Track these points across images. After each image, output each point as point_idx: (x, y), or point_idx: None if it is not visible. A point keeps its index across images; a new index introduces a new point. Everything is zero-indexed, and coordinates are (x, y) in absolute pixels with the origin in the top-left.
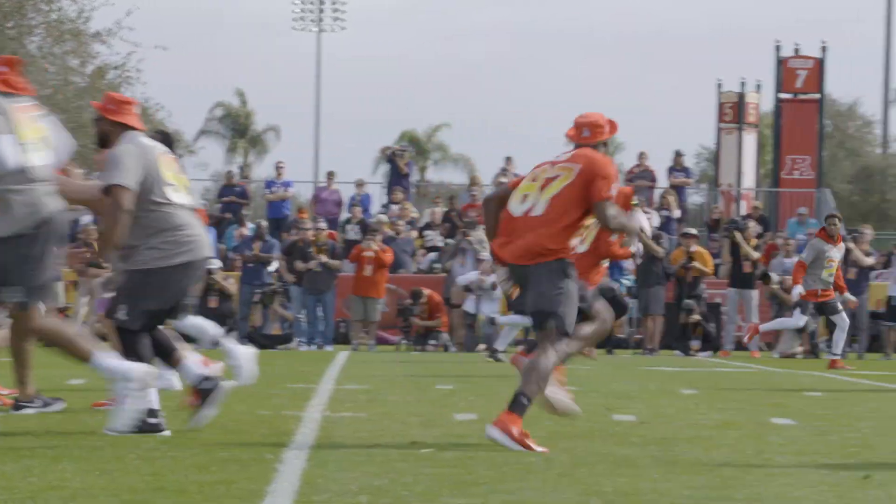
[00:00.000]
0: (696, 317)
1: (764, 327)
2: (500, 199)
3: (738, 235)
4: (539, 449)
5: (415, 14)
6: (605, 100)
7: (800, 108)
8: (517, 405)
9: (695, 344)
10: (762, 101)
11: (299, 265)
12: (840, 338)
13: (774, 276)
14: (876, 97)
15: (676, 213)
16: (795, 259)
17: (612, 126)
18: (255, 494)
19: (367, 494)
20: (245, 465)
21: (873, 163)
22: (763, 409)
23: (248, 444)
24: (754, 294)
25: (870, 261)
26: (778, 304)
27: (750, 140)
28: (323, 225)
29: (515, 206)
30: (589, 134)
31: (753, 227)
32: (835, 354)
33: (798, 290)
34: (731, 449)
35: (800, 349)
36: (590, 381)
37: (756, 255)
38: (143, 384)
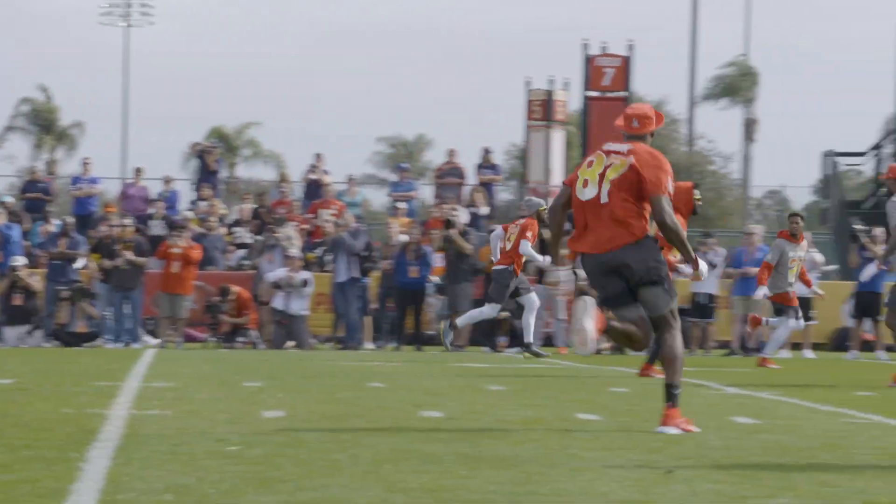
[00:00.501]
0: (504, 313)
1: (769, 348)
2: (565, 205)
3: (546, 232)
4: (695, 429)
5: (224, 10)
6: (414, 97)
7: (607, 106)
8: (672, 397)
9: (503, 340)
10: (570, 99)
11: (106, 262)
12: (780, 336)
13: (580, 273)
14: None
15: (484, 210)
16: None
17: (660, 117)
18: (59, 493)
19: (173, 493)
20: (49, 464)
21: (680, 160)
22: (569, 405)
23: (52, 443)
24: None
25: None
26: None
27: (558, 137)
28: (130, 221)
29: (580, 192)
30: (638, 125)
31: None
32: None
33: (763, 290)
34: (538, 444)
35: (606, 345)
36: (398, 378)
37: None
38: None
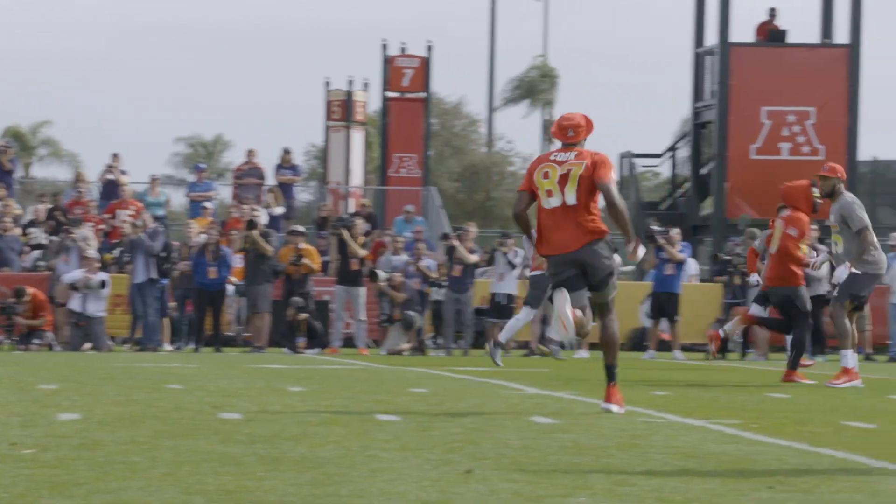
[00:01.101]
0: (304, 314)
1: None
2: (526, 209)
3: (345, 233)
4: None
5: (11, 7)
6: (212, 96)
7: (406, 107)
8: (613, 376)
9: (302, 341)
10: (370, 99)
11: None
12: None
13: (382, 274)
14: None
15: (279, 210)
16: (404, 257)
17: (590, 125)
18: None
19: None
20: None
21: (478, 161)
22: (368, 406)
23: None
24: (362, 291)
25: (474, 258)
26: (389, 302)
27: (358, 138)
28: None
29: (546, 202)
30: (574, 134)
31: (361, 224)
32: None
33: (755, 278)
34: (337, 445)
35: (406, 346)
36: (196, 379)
37: (363, 252)
38: None
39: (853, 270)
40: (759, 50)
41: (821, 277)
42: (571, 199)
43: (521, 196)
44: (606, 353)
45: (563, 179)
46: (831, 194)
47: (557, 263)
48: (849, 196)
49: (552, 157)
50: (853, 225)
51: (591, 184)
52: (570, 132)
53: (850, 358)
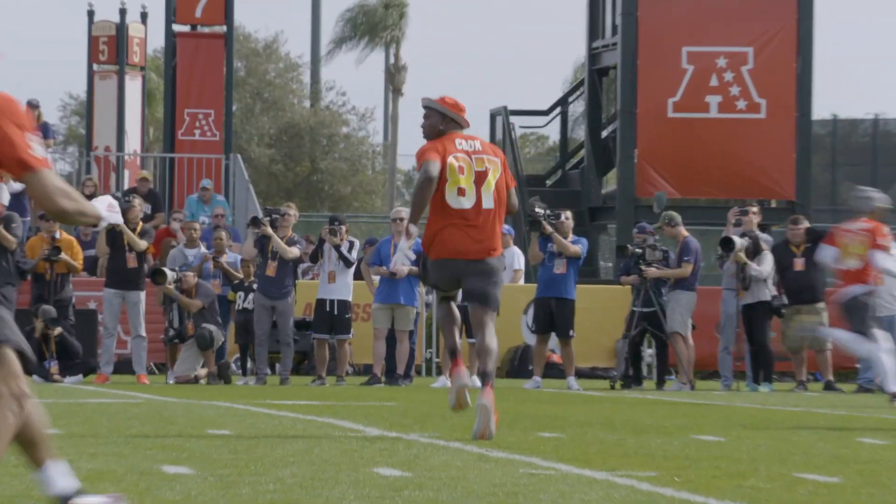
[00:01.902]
0: (58, 328)
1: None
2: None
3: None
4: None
5: None
6: None
7: (201, 46)
8: (490, 379)
9: (54, 365)
10: (150, 35)
11: None
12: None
13: (169, 273)
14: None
15: (17, 187)
16: (200, 249)
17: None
18: None
19: None
20: None
21: (300, 120)
22: (150, 454)
23: None
24: (141, 297)
25: (294, 252)
26: (179, 312)
27: (134, 88)
28: None
29: (456, 200)
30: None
31: (139, 206)
32: None
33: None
34: None
35: (203, 371)
36: None
37: (143, 244)
38: None
39: None
40: None
41: (765, 277)
42: (489, 202)
43: (433, 165)
44: (485, 357)
45: (480, 179)
46: None
47: (456, 266)
48: None
49: (460, 146)
50: None
51: (503, 189)
52: (465, 115)
53: None
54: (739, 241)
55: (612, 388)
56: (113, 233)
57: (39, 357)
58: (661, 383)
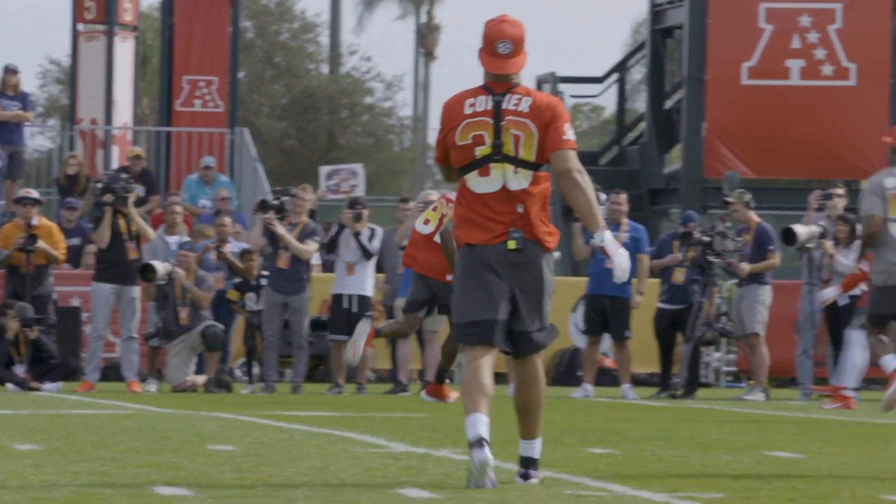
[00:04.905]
0: (35, 329)
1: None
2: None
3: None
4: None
5: None
6: None
7: (203, 2)
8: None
9: (22, 371)
10: None
11: None
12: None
13: (160, 267)
14: None
15: None
16: (186, 237)
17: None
18: None
19: None
20: None
21: (317, 88)
22: (143, 473)
23: None
24: (136, 293)
25: (311, 250)
26: (173, 310)
27: (125, 51)
28: None
29: (475, 182)
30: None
31: (138, 190)
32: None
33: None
34: None
35: (202, 378)
36: None
37: (151, 232)
38: None
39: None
40: None
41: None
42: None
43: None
44: (447, 358)
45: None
46: None
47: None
48: None
49: (474, 107)
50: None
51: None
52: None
53: None
54: (805, 231)
55: (674, 397)
56: (115, 219)
57: (9, 363)
58: (690, 392)
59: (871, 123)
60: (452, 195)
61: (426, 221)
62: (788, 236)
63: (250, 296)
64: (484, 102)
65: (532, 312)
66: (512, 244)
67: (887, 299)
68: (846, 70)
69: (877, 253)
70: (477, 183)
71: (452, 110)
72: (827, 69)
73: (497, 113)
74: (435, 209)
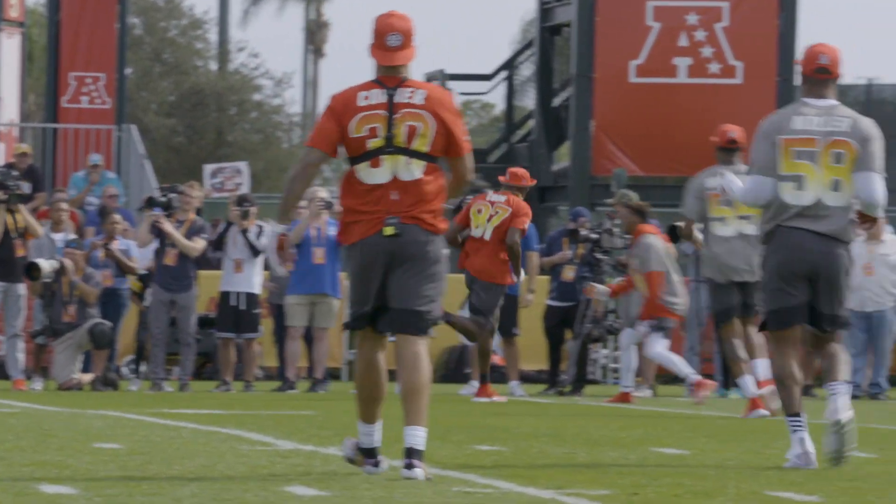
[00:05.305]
0: None
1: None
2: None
3: None
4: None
5: None
6: None
7: (89, 3)
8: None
9: None
10: None
11: None
12: None
13: (45, 265)
14: None
15: None
16: (72, 234)
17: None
18: None
19: None
20: None
21: (206, 85)
22: (27, 471)
23: None
24: (21, 290)
25: (198, 247)
26: (59, 307)
27: (11, 47)
28: None
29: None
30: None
31: (25, 187)
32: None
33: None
34: None
35: (88, 376)
36: None
37: (40, 229)
38: None
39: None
40: None
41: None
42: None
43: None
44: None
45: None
46: None
47: None
48: None
49: (368, 99)
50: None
51: None
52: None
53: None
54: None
55: (562, 393)
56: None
57: None
58: (578, 389)
59: (757, 121)
60: (490, 194)
61: (476, 226)
62: (674, 233)
63: (150, 291)
64: (378, 95)
65: (416, 288)
66: (389, 230)
67: (726, 296)
68: (733, 68)
69: (707, 252)
70: (368, 174)
71: (346, 102)
72: (714, 67)
73: (391, 106)
74: (480, 212)
